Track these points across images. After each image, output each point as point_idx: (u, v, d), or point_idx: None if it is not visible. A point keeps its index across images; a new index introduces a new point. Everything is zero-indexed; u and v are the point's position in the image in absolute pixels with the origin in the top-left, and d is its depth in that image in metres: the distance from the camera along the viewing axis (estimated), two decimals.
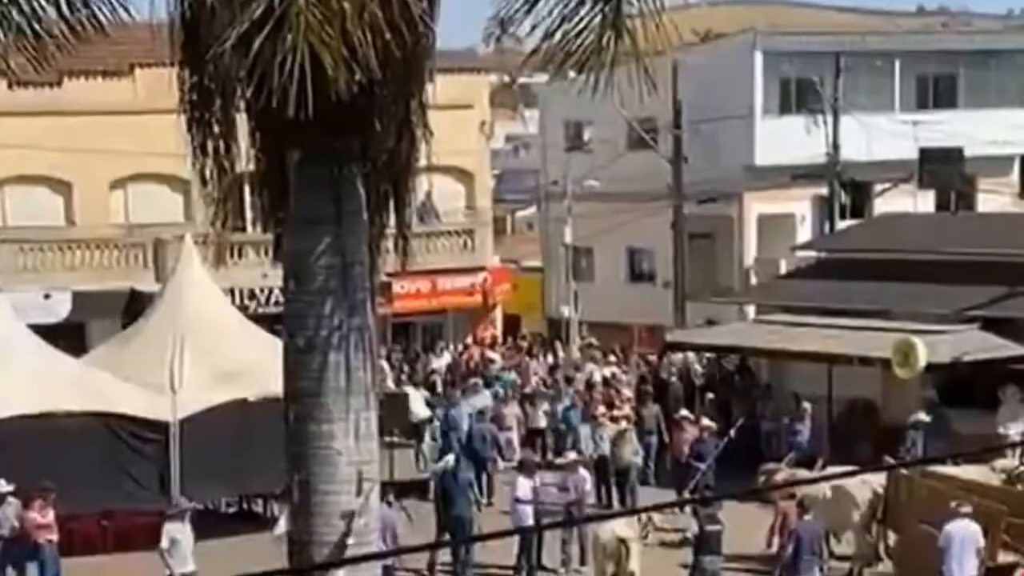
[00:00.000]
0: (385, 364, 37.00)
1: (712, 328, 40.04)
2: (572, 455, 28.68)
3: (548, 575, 26.36)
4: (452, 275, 46.35)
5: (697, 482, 28.53)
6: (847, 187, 45.43)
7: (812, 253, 39.77)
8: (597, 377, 38.05)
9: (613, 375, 38.64)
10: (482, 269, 47.48)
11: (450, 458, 28.45)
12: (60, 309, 39.74)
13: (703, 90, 45.51)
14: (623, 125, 47.59)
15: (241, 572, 6.54)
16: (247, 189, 14.98)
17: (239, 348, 28.90)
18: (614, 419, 31.90)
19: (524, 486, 26.37)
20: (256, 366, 26.64)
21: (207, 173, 13.60)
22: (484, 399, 35.35)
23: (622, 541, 22.65)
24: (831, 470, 26.44)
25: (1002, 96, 50.00)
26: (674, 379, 38.58)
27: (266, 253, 37.46)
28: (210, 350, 28.69)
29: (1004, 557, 22.82)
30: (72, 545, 26.64)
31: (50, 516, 24.98)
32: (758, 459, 29.17)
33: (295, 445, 13.51)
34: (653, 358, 42.00)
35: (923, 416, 28.51)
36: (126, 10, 12.74)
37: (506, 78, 73.87)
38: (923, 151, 43.35)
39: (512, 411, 35.00)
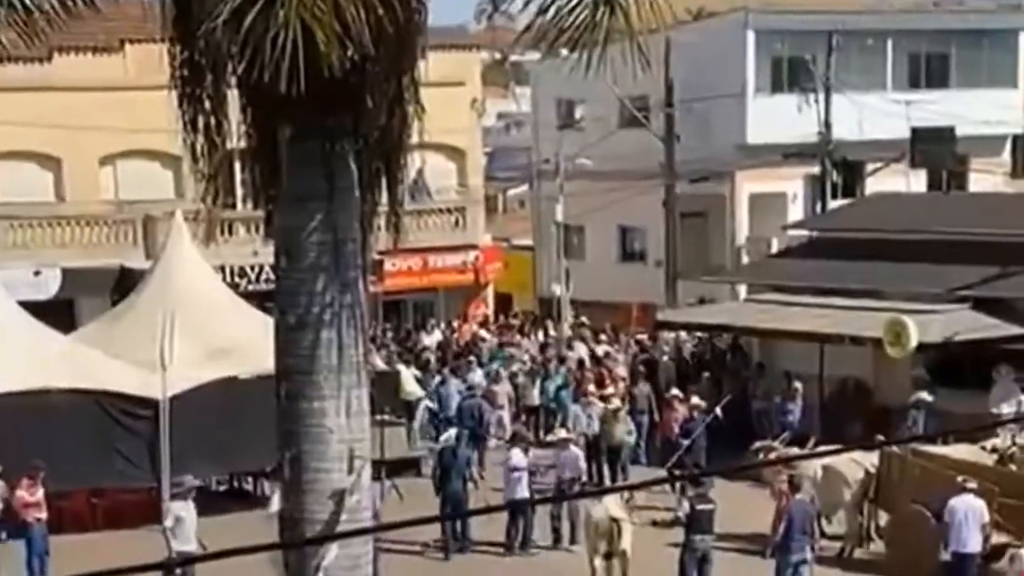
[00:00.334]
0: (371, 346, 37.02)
1: (703, 307, 40.05)
2: (562, 433, 28.70)
3: (540, 552, 26.37)
4: (443, 253, 46.27)
5: (681, 460, 28.57)
6: (839, 166, 45.39)
7: (804, 232, 39.74)
8: (586, 355, 38.06)
9: (607, 354, 38.64)
10: (473, 247, 47.40)
11: (452, 433, 28.54)
12: (50, 286, 39.63)
13: (695, 68, 45.42)
14: (615, 103, 47.52)
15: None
16: (238, 166, 14.92)
17: (230, 325, 28.84)
18: (604, 398, 31.87)
19: (518, 456, 26.47)
20: (247, 344, 26.59)
21: (198, 149, 13.53)
22: (475, 377, 35.38)
23: (614, 520, 22.63)
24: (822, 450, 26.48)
25: (994, 76, 49.94)
26: (665, 358, 38.62)
27: (257, 230, 37.57)
28: (200, 327, 28.63)
29: (996, 538, 22.87)
30: (62, 523, 26.63)
31: (39, 494, 24.94)
32: (749, 438, 29.15)
33: (286, 423, 13.47)
34: (643, 337, 42.00)
35: (925, 396, 28.47)
36: None
37: (498, 56, 73.66)
38: (915, 130, 43.30)
39: (504, 389, 35.00)
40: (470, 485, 27.13)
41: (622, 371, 35.92)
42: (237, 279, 39.32)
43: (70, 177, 42.94)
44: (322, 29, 11.65)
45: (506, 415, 34.33)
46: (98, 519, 28.08)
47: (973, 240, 32.25)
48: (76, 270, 39.70)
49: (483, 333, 43.93)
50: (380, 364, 32.16)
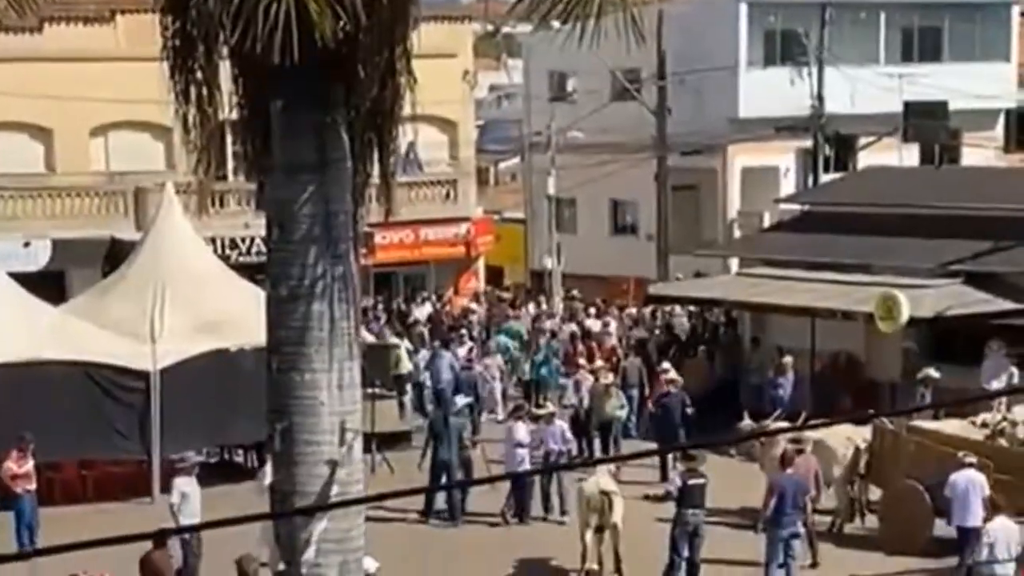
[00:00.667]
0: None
1: (694, 281, 39.99)
2: (550, 407, 28.74)
3: (534, 524, 26.49)
4: (435, 226, 46.21)
5: (664, 436, 28.71)
6: (831, 140, 45.38)
7: (795, 206, 39.67)
8: (572, 330, 38.09)
9: (606, 323, 38.67)
10: (465, 220, 47.34)
11: (460, 399, 28.81)
12: (40, 257, 39.56)
13: (688, 41, 45.35)
14: (607, 76, 47.44)
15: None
16: (229, 137, 14.85)
17: (221, 298, 28.78)
18: (594, 372, 31.86)
19: (521, 430, 26.60)
20: (238, 316, 26.57)
21: (190, 120, 13.45)
22: (462, 351, 35.40)
23: (605, 494, 22.64)
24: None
25: (987, 49, 49.91)
26: (657, 332, 38.62)
27: (248, 202, 37.51)
28: (191, 299, 28.57)
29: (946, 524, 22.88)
30: (52, 494, 26.61)
31: (28, 466, 24.90)
32: (741, 414, 29.19)
33: (277, 395, 13.43)
34: (632, 310, 42.01)
35: (932, 372, 28.41)
36: None
37: (490, 27, 73.53)
38: (907, 104, 43.21)
39: (496, 362, 35.01)
40: (476, 451, 27.35)
41: (615, 343, 35.91)
42: (228, 251, 39.26)
43: (61, 148, 42.82)
44: None
45: (497, 388, 34.36)
46: (88, 491, 28.05)
47: (965, 215, 32.20)
48: (66, 241, 39.62)
49: (473, 306, 43.91)
50: (369, 337, 32.13)
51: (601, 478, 23.03)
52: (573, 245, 49.31)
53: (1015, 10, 51.42)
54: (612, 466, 24.53)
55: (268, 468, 15.47)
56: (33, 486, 25.07)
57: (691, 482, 22.50)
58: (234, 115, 13.80)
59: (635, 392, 33.09)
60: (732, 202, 48.42)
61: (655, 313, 40.53)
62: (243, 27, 11.65)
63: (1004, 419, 24.62)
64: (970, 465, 22.40)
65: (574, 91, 53.48)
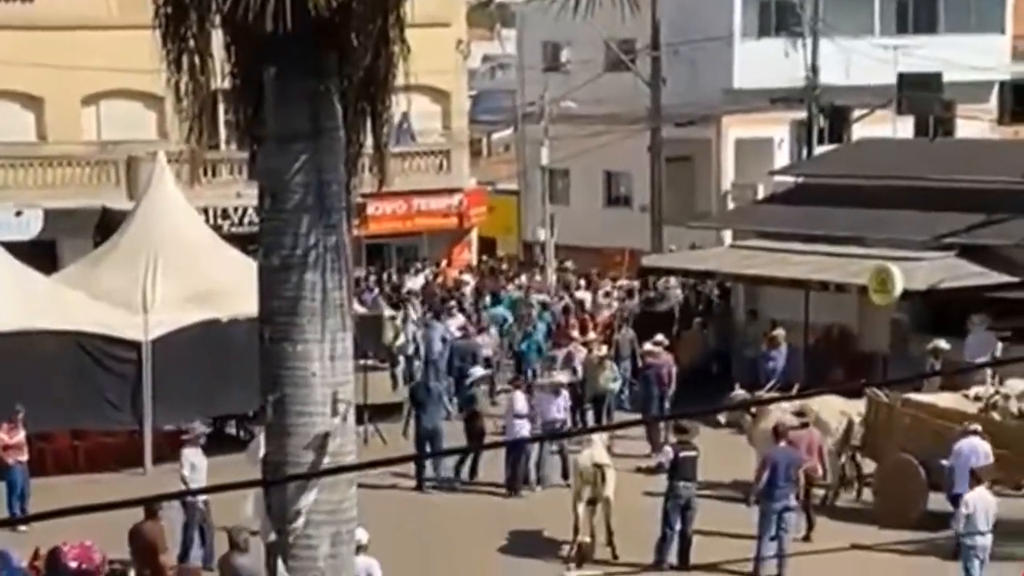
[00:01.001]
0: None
1: (688, 253, 39.93)
2: (559, 376, 28.78)
3: (527, 495, 26.64)
4: (427, 196, 46.07)
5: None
6: (825, 112, 45.23)
7: (789, 178, 39.60)
8: (565, 302, 38.02)
9: (606, 294, 38.61)
10: (458, 191, 47.22)
11: (478, 371, 29.03)
12: (32, 226, 39.42)
13: (682, 11, 45.22)
14: (601, 46, 47.27)
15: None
16: (222, 106, 14.77)
17: (213, 268, 28.71)
18: (587, 344, 31.81)
19: (521, 400, 26.72)
20: (230, 286, 26.50)
21: (182, 89, 13.38)
22: (457, 321, 35.34)
23: (598, 467, 22.61)
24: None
25: (982, 21, 49.76)
26: (638, 306, 38.52)
27: (240, 172, 37.38)
28: (183, 269, 28.49)
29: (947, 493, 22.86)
30: (44, 465, 26.57)
31: (19, 436, 24.85)
32: (733, 385, 29.19)
33: (270, 366, 13.38)
34: (623, 282, 41.96)
35: (942, 343, 28.35)
36: None
37: None
38: (902, 76, 43.10)
39: (492, 337, 35.01)
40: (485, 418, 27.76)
41: (608, 316, 35.87)
42: (220, 221, 39.15)
43: (52, 117, 42.62)
44: None
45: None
46: (80, 461, 27.99)
47: (959, 187, 32.15)
48: (58, 211, 39.47)
49: (466, 278, 43.83)
50: (360, 308, 32.07)
51: (594, 450, 23.00)
52: (566, 216, 49.16)
53: None
54: (606, 438, 24.51)
55: (260, 439, 15.42)
56: (25, 457, 25.05)
57: (683, 455, 22.47)
58: (226, 84, 13.72)
59: (628, 364, 33.05)
60: (726, 174, 48.32)
61: (646, 285, 40.42)
62: None
63: (997, 392, 24.62)
64: (974, 433, 22.43)
65: (568, 61, 53.29)
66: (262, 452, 13.64)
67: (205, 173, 38.70)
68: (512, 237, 55.04)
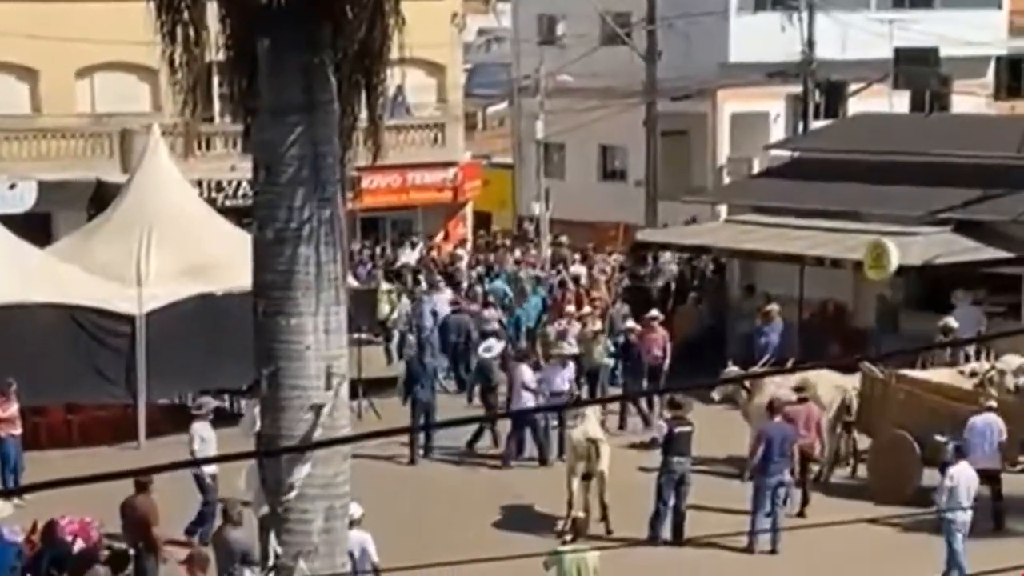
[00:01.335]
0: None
1: (683, 227, 39.88)
2: (566, 348, 28.79)
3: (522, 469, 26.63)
4: (422, 170, 45.96)
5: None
6: (821, 86, 45.13)
7: (785, 153, 39.52)
8: (568, 276, 37.97)
9: (602, 270, 38.56)
10: (453, 164, 47.10)
11: (493, 343, 29.18)
12: (26, 199, 39.31)
13: None
14: (597, 19, 47.19)
15: None
16: (216, 79, 14.70)
17: (207, 241, 28.66)
18: (581, 318, 31.76)
19: (527, 373, 26.84)
20: (224, 259, 26.46)
21: (176, 61, 13.32)
22: (447, 296, 35.34)
23: (592, 441, 22.60)
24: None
25: None
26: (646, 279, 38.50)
27: (234, 144, 37.24)
28: (177, 243, 28.43)
29: None
30: (37, 438, 26.55)
31: (12, 409, 24.82)
32: (726, 360, 29.20)
33: (264, 339, 13.34)
34: (616, 256, 41.92)
35: (951, 322, 28.32)
36: None
37: None
38: (898, 51, 42.98)
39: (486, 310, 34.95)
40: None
41: (603, 292, 35.82)
42: (214, 194, 39.04)
43: (47, 89, 42.48)
44: None
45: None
46: (73, 435, 27.97)
47: (955, 162, 32.09)
48: (52, 183, 39.35)
49: (460, 252, 43.77)
50: (354, 282, 32.05)
51: (588, 425, 22.99)
52: (561, 190, 49.06)
53: None
54: (600, 413, 24.51)
55: (255, 412, 15.42)
56: (18, 430, 25.02)
57: (677, 430, 22.47)
58: (221, 56, 13.65)
59: (622, 339, 32.98)
60: (721, 148, 48.22)
61: (643, 260, 40.37)
62: None
63: (993, 368, 24.62)
64: (990, 409, 22.47)
65: (563, 35, 53.15)
66: (257, 426, 13.62)
67: (199, 146, 38.63)
68: (507, 211, 54.96)
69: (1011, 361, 24.74)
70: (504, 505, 24.21)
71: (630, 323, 31.00)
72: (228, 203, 37.58)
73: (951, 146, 33.11)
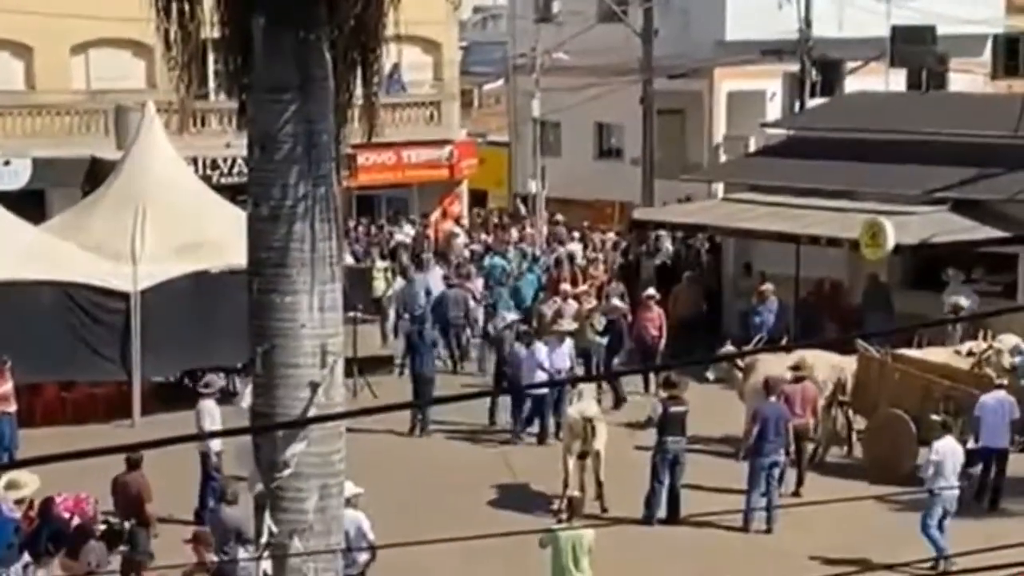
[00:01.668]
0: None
1: (679, 206, 39.81)
2: (566, 325, 28.78)
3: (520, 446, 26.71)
4: (418, 148, 45.90)
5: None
6: (818, 64, 44.99)
7: (781, 131, 39.48)
8: (563, 255, 37.92)
9: (596, 250, 38.51)
10: (448, 142, 47.04)
11: (509, 316, 29.62)
12: (20, 176, 39.24)
13: None
14: None
15: None
16: (211, 56, 14.64)
17: (202, 219, 28.60)
18: (577, 297, 31.72)
19: (542, 351, 26.79)
20: (219, 237, 26.41)
21: (171, 37, 13.25)
22: (438, 272, 35.36)
23: (588, 420, 22.57)
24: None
25: None
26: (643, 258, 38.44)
27: (229, 122, 37.18)
28: (172, 220, 28.37)
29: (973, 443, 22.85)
30: (32, 416, 26.51)
31: (7, 387, 24.78)
32: (722, 339, 29.15)
33: (258, 317, 13.28)
34: (611, 235, 41.87)
35: (962, 300, 28.28)
36: None
37: None
38: (895, 29, 42.86)
39: (477, 285, 34.94)
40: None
41: (600, 270, 35.82)
42: (209, 171, 38.98)
43: (41, 66, 42.36)
44: None
45: (480, 311, 34.32)
46: (68, 413, 27.92)
47: (952, 141, 32.03)
48: (47, 160, 39.29)
49: (456, 230, 43.72)
50: (349, 260, 32.03)
51: (584, 404, 22.96)
52: (557, 169, 49.02)
53: None
54: (595, 392, 24.50)
55: (248, 390, 15.39)
56: (13, 408, 24.99)
57: (672, 409, 22.44)
58: (216, 33, 13.59)
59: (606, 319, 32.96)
60: (718, 126, 48.14)
61: (642, 239, 40.33)
62: None
63: (990, 347, 24.60)
64: (1000, 387, 22.48)
65: (559, 13, 52.97)
66: (246, 402, 13.59)
67: (194, 123, 38.54)
68: (503, 189, 54.90)
69: (1007, 340, 24.73)
70: (500, 483, 24.19)
71: (616, 301, 30.94)
72: (223, 180, 37.55)
73: (948, 125, 33.07)
